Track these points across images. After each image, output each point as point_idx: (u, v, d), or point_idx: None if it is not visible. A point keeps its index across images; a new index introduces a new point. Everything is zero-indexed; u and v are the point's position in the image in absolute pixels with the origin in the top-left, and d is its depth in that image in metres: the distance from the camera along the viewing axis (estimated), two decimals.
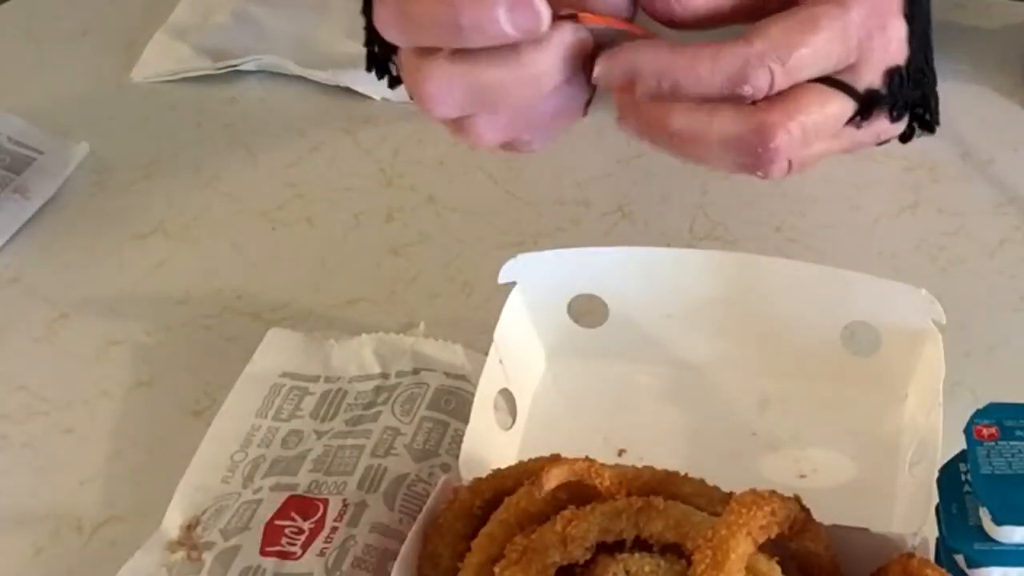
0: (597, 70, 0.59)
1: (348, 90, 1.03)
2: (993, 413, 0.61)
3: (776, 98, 0.58)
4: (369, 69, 0.74)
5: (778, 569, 0.58)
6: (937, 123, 0.66)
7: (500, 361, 0.73)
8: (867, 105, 0.61)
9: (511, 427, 0.75)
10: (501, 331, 0.73)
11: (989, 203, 0.90)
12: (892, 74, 0.61)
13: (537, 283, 0.76)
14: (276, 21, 1.09)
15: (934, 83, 0.65)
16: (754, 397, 0.77)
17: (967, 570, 0.59)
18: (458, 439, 0.71)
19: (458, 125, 0.61)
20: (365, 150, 0.99)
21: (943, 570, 0.59)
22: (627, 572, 0.58)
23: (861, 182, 0.92)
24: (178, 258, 0.91)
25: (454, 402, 0.76)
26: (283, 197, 0.96)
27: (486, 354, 0.73)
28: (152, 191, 0.97)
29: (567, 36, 0.58)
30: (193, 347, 0.84)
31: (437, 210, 0.93)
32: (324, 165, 0.98)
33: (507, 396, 0.75)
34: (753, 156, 0.58)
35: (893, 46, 0.60)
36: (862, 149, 0.65)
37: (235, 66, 1.05)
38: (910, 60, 0.62)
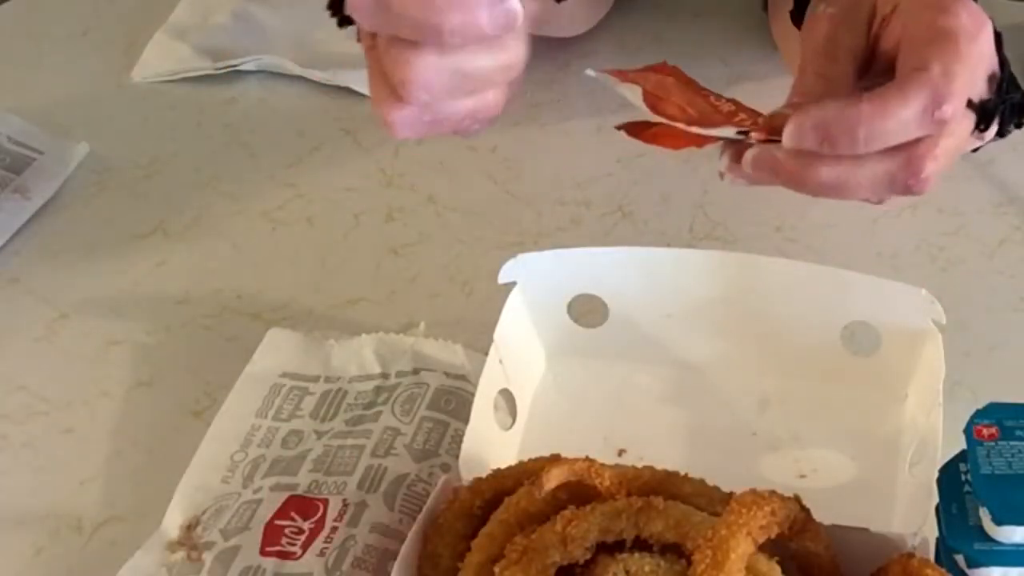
0: (787, 135, 0.58)
1: (348, 90, 1.03)
2: (993, 413, 0.61)
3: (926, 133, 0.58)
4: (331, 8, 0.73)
5: (778, 569, 0.58)
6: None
7: (500, 361, 0.73)
8: (984, 115, 0.61)
9: (511, 427, 0.75)
10: (501, 331, 0.73)
11: (989, 203, 0.90)
12: (994, 80, 0.61)
13: (537, 283, 0.76)
14: (276, 21, 1.10)
15: None
16: (754, 397, 0.77)
17: (967, 570, 0.59)
18: (458, 439, 0.71)
19: (428, 107, 0.60)
20: (365, 150, 0.99)
21: (943, 570, 0.59)
22: (627, 572, 0.58)
23: None
24: (178, 258, 0.91)
25: (454, 402, 0.76)
26: (283, 197, 0.96)
27: (486, 354, 0.73)
28: (152, 191, 0.97)
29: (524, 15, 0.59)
30: (193, 347, 0.84)
31: (437, 210, 0.93)
32: (324, 165, 0.98)
33: (507, 396, 0.75)
34: (903, 189, 0.58)
35: (988, 53, 0.61)
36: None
37: (235, 66, 1.05)
38: (1003, 64, 0.62)
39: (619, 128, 0.64)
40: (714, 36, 1.04)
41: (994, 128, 0.63)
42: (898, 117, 0.57)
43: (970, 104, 0.60)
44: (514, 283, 0.76)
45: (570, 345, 0.79)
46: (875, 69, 0.63)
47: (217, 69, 1.06)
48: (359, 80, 1.03)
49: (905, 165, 0.58)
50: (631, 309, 0.78)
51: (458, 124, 0.59)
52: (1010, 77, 0.63)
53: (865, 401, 0.75)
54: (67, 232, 0.94)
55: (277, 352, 0.81)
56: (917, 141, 0.58)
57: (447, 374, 0.78)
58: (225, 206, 0.95)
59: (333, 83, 1.03)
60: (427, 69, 0.57)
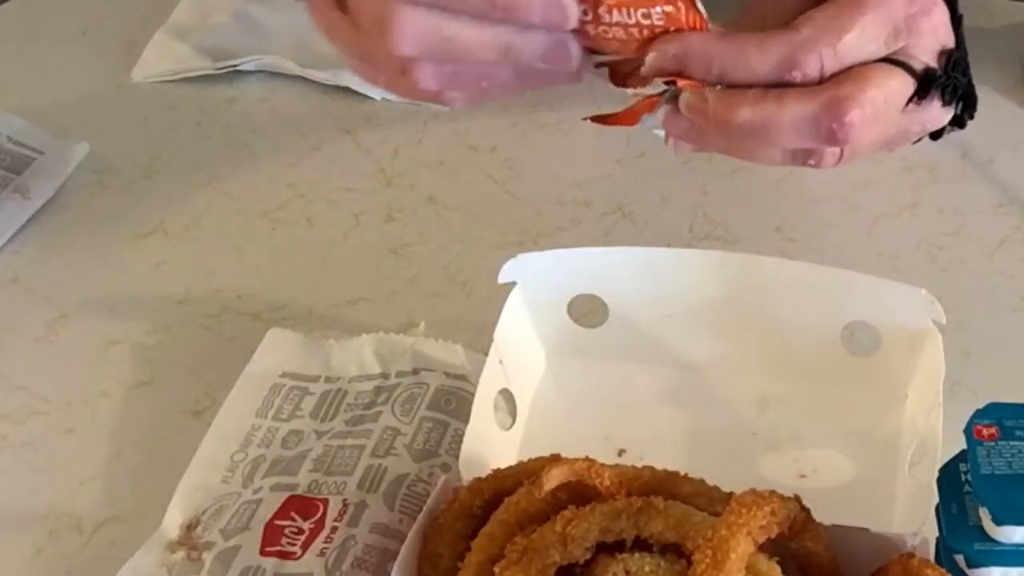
0: (649, 58, 0.59)
1: (348, 90, 1.03)
2: (993, 413, 0.61)
3: (842, 75, 0.57)
4: None
5: (778, 569, 0.57)
6: (973, 114, 0.66)
7: (500, 361, 0.73)
8: (925, 84, 0.61)
9: (511, 427, 0.75)
10: (501, 331, 0.73)
11: (989, 203, 0.90)
12: (946, 56, 0.61)
13: (537, 283, 0.76)
14: (276, 21, 1.10)
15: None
16: (754, 397, 0.77)
17: (967, 570, 0.59)
18: (458, 439, 0.71)
19: (403, 64, 0.60)
20: (365, 150, 0.99)
21: (943, 570, 0.59)
22: (627, 572, 0.58)
23: (861, 182, 0.92)
24: (178, 258, 0.91)
25: (454, 402, 0.76)
26: (283, 197, 0.96)
27: (486, 354, 0.73)
28: (152, 191, 0.97)
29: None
30: (193, 347, 0.84)
31: (437, 210, 0.93)
32: (324, 165, 0.98)
33: (507, 396, 0.75)
34: (826, 135, 0.58)
35: (941, 30, 0.61)
36: (907, 141, 0.65)
37: (235, 66, 1.05)
38: (958, 45, 0.62)
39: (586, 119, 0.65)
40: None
41: (939, 114, 0.63)
42: (750, 63, 0.57)
43: (901, 65, 0.59)
44: (514, 283, 0.76)
45: (570, 345, 0.79)
46: None
47: (217, 69, 1.05)
48: (359, 80, 1.03)
49: (827, 108, 0.57)
50: (631, 309, 0.78)
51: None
52: (962, 61, 0.63)
53: (865, 401, 0.75)
54: (67, 232, 0.94)
55: (277, 352, 0.81)
56: (838, 82, 0.57)
57: (447, 374, 0.78)
58: (225, 206, 0.95)
59: (333, 83, 1.03)
60: (416, 22, 0.57)
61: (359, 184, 0.96)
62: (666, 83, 0.62)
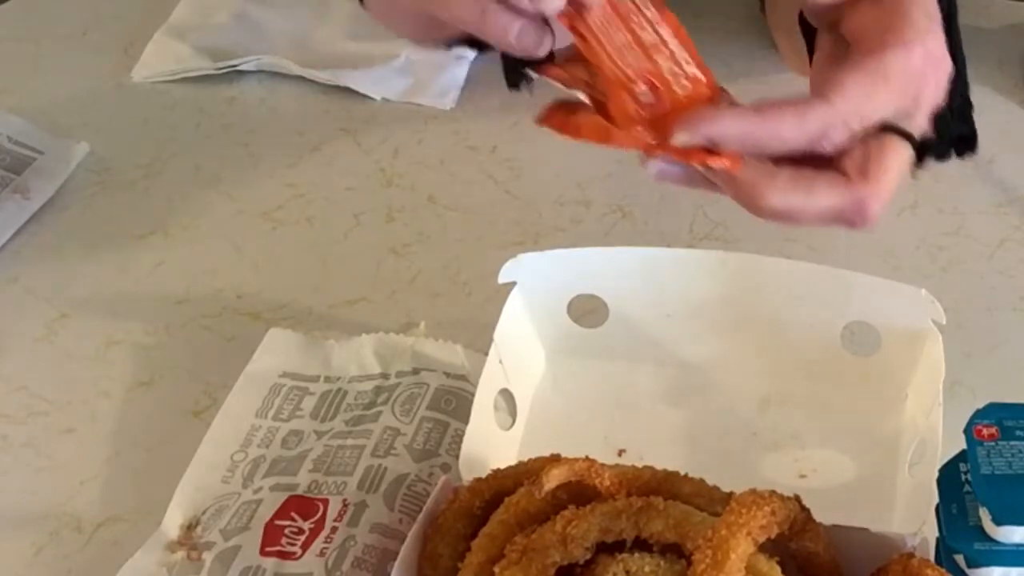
0: (677, 136, 0.59)
1: (348, 90, 1.03)
2: (993, 413, 0.61)
3: (866, 166, 0.59)
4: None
5: (778, 569, 0.58)
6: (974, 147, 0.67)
7: (500, 361, 0.73)
8: (921, 151, 0.62)
9: (511, 427, 0.75)
10: (501, 331, 0.73)
11: (989, 203, 0.90)
12: (937, 118, 0.62)
13: (537, 283, 0.76)
14: (276, 21, 1.10)
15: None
16: (754, 397, 0.77)
17: (967, 570, 0.59)
18: (458, 439, 0.71)
19: None
20: (365, 150, 0.99)
21: (943, 570, 0.59)
22: (627, 572, 0.58)
23: None
24: (178, 258, 0.91)
25: (454, 402, 0.76)
26: (283, 197, 0.96)
27: (486, 354, 0.73)
28: (152, 191, 0.97)
29: None
30: (193, 347, 0.84)
31: (437, 210, 0.93)
32: (324, 165, 0.98)
33: (507, 396, 0.75)
34: (847, 224, 0.60)
35: (941, 90, 0.62)
36: None
37: (235, 66, 1.05)
38: (953, 96, 0.62)
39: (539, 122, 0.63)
40: (714, 36, 1.04)
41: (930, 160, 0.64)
42: (783, 139, 0.58)
43: (907, 137, 0.60)
44: (514, 283, 0.76)
45: (570, 345, 0.79)
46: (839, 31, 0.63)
47: (217, 69, 1.06)
48: (359, 80, 1.03)
49: (854, 204, 0.59)
50: (631, 309, 0.78)
51: None
52: (959, 110, 0.64)
53: (865, 401, 0.75)
54: (67, 232, 0.94)
55: (277, 352, 0.81)
56: (863, 179, 0.59)
57: (447, 374, 0.78)
58: (225, 206, 0.95)
59: (333, 83, 1.03)
60: None
61: (359, 184, 0.96)
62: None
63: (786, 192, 0.59)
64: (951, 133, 0.65)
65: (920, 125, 0.61)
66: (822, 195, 0.59)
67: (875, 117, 0.59)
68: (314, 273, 0.89)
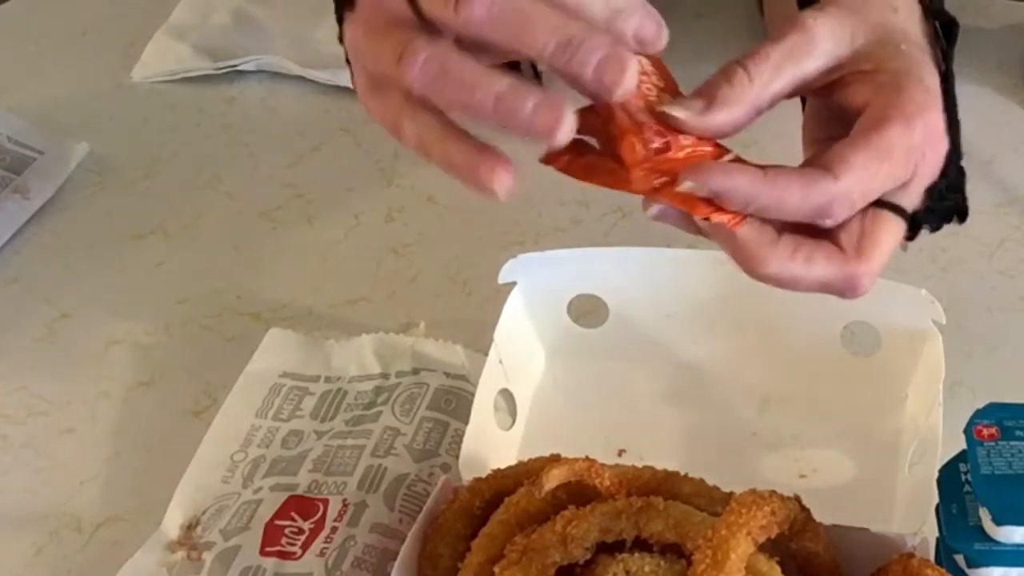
0: (684, 181, 0.59)
1: (348, 90, 1.02)
2: (993, 413, 0.61)
3: (861, 242, 0.60)
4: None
5: (778, 569, 0.58)
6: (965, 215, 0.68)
7: (500, 361, 0.73)
8: (914, 226, 0.63)
9: (511, 427, 0.75)
10: (501, 331, 0.73)
11: (989, 203, 0.90)
12: (931, 191, 0.62)
13: (537, 283, 0.76)
14: (276, 21, 1.10)
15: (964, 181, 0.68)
16: (754, 397, 0.77)
17: (967, 570, 0.59)
18: (458, 439, 0.71)
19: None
20: (365, 150, 0.99)
21: (943, 570, 0.59)
22: (627, 572, 0.58)
23: None
24: (178, 258, 0.91)
25: (454, 402, 0.76)
26: (283, 197, 0.96)
27: (486, 354, 0.73)
28: (152, 191, 0.97)
29: None
30: (193, 347, 0.84)
31: (437, 210, 0.93)
32: (324, 165, 0.98)
33: (507, 396, 0.75)
34: (838, 294, 0.61)
35: (936, 165, 0.62)
36: None
37: (235, 66, 1.05)
38: (946, 171, 0.63)
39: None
40: (714, 36, 1.04)
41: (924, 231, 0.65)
42: (786, 208, 0.58)
43: (901, 213, 0.61)
44: (514, 283, 0.76)
45: (570, 345, 0.79)
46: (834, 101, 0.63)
47: (217, 69, 1.06)
48: None
49: (847, 279, 0.60)
50: (631, 309, 0.78)
51: None
52: (953, 182, 0.64)
53: (865, 401, 0.75)
54: (67, 232, 0.94)
55: (277, 352, 0.81)
56: (857, 256, 0.60)
57: (447, 374, 0.78)
58: (225, 206, 0.95)
59: (333, 83, 1.03)
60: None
61: (359, 184, 0.96)
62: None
63: (786, 261, 0.59)
64: (944, 206, 0.65)
65: (914, 198, 0.61)
66: (819, 267, 0.59)
67: (877, 193, 0.60)
68: (314, 273, 0.89)
